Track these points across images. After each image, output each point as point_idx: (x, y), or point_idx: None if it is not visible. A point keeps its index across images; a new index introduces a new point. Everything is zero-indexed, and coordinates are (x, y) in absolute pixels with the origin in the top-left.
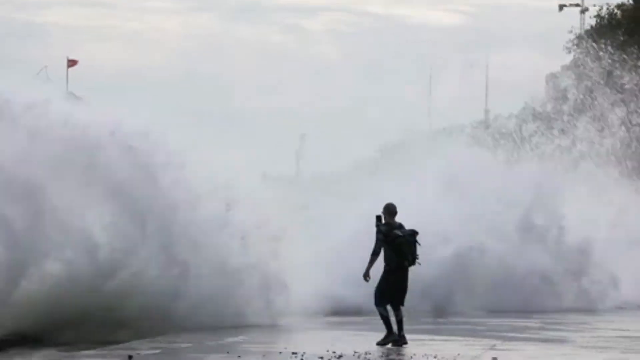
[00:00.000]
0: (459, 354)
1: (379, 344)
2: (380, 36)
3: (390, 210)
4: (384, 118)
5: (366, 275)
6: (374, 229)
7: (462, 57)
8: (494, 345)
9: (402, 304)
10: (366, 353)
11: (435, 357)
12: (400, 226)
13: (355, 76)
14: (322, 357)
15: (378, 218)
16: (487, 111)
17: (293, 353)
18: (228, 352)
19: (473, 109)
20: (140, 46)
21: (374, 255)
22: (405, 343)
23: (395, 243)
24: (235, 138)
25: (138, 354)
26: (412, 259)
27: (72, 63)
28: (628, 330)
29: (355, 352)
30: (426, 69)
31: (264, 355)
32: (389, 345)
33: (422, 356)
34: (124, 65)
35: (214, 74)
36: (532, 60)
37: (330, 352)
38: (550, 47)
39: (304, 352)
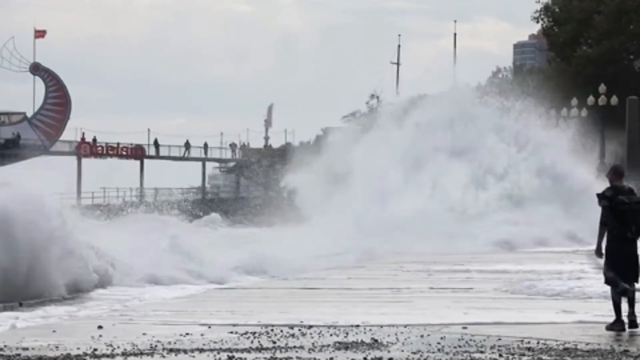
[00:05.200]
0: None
1: (607, 328)
2: (346, 5)
3: (617, 171)
4: (351, 87)
5: (598, 251)
6: None
7: (430, 25)
8: None
9: (636, 280)
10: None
11: (405, 327)
12: (630, 191)
13: (321, 45)
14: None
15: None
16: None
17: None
18: None
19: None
20: (107, 15)
21: (603, 225)
22: (637, 326)
23: (618, 210)
24: (205, 106)
25: None
26: (636, 230)
27: (39, 34)
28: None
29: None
30: (394, 38)
31: None
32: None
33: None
34: (90, 35)
35: (181, 42)
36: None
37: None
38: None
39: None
